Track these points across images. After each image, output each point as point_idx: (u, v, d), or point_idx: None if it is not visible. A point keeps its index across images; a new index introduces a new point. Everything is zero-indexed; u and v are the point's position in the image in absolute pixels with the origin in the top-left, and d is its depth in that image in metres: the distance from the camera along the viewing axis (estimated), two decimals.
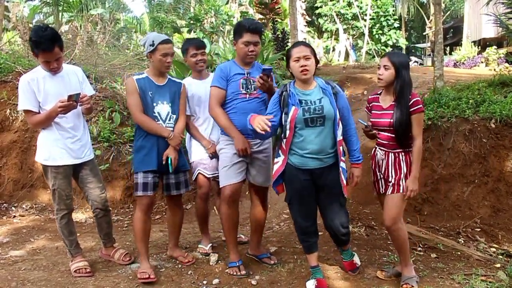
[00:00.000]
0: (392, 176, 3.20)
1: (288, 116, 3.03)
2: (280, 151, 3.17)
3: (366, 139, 5.99)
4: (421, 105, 3.12)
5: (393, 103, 3.16)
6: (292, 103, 3.03)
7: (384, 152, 3.24)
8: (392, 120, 3.10)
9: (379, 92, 3.36)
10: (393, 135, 3.14)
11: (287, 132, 3.05)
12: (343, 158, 3.14)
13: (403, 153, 3.18)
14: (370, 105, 3.35)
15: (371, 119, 3.29)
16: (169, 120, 3.48)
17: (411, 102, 3.09)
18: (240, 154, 3.40)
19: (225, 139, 3.49)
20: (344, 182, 3.15)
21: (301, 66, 3.01)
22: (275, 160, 3.22)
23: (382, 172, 3.27)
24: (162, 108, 3.45)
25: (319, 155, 3.06)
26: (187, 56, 3.91)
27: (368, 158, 5.54)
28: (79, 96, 3.22)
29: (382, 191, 3.33)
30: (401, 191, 3.15)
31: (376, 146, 3.35)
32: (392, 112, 3.13)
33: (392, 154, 3.20)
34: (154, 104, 3.42)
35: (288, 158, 3.13)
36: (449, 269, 3.69)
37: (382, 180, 3.31)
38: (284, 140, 3.11)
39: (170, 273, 3.50)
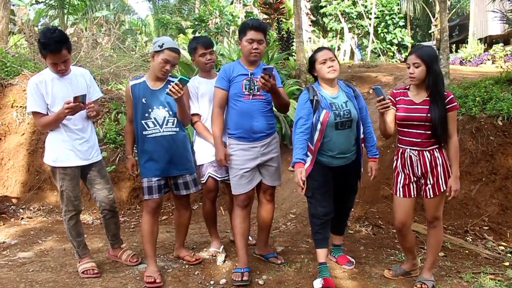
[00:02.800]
0: (429, 176, 3.10)
1: (320, 119, 3.17)
2: (307, 152, 3.24)
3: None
4: (456, 103, 3.09)
5: (427, 98, 3.07)
6: (324, 107, 3.18)
7: (417, 151, 3.11)
8: (429, 115, 3.01)
9: (407, 87, 3.25)
10: (428, 132, 3.05)
11: (317, 133, 3.20)
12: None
13: (437, 149, 3.09)
14: (396, 99, 3.21)
15: (397, 113, 3.17)
16: (166, 124, 3.40)
17: (448, 99, 3.04)
18: (218, 164, 3.52)
19: (233, 144, 3.44)
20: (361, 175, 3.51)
21: (329, 67, 3.21)
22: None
23: (419, 174, 3.14)
24: (158, 113, 3.37)
25: (344, 154, 3.28)
26: (195, 56, 3.81)
27: None
28: (85, 97, 3.24)
29: (413, 194, 3.20)
30: (442, 190, 3.07)
31: (404, 146, 3.19)
32: (427, 107, 3.04)
33: (427, 152, 3.09)
34: (150, 110, 3.35)
35: (316, 157, 3.27)
36: (457, 267, 3.67)
37: (414, 184, 3.19)
38: (313, 141, 3.23)
39: (177, 274, 3.50)
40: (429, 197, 3.12)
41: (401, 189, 3.22)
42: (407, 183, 3.19)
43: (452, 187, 3.04)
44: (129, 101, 3.44)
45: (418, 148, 3.10)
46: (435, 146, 3.08)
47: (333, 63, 3.23)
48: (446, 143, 3.10)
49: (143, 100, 3.36)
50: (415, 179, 3.17)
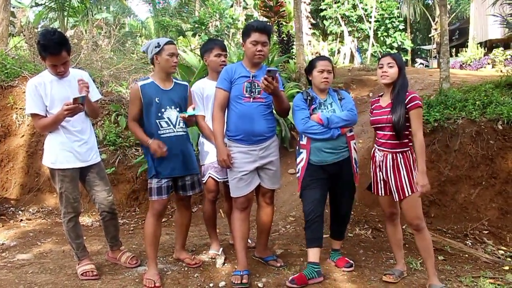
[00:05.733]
0: (391, 179, 3.25)
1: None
2: (300, 148, 3.50)
3: (370, 142, 5.97)
4: (418, 101, 3.22)
5: (391, 101, 3.28)
6: (316, 105, 3.44)
7: (383, 153, 3.30)
8: (389, 116, 3.21)
9: (380, 94, 3.49)
10: (392, 133, 3.23)
11: None
12: (354, 151, 3.49)
13: (400, 155, 3.24)
14: (372, 106, 3.46)
15: (371, 118, 3.41)
16: (179, 124, 3.44)
17: (408, 98, 3.21)
18: (220, 165, 3.46)
19: (232, 146, 3.43)
20: (356, 172, 3.54)
21: (324, 78, 3.43)
22: (298, 158, 3.52)
23: (384, 173, 3.31)
24: (172, 113, 3.40)
25: (334, 150, 3.38)
26: (209, 56, 3.83)
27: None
28: (84, 98, 3.23)
29: (381, 193, 3.40)
30: (407, 194, 3.19)
31: (375, 146, 3.39)
32: (390, 109, 3.24)
33: (390, 155, 3.26)
34: (163, 110, 3.37)
35: (309, 157, 3.42)
36: (456, 271, 3.67)
37: (382, 182, 3.37)
38: (305, 138, 3.44)
39: (177, 276, 3.49)
40: (395, 200, 3.28)
41: (373, 185, 3.46)
42: (373, 180, 3.44)
43: (419, 182, 3.14)
44: (137, 101, 3.38)
45: (383, 149, 3.31)
46: (399, 150, 3.24)
47: (329, 75, 3.46)
48: (406, 146, 3.25)
49: (156, 99, 3.36)
50: (381, 177, 3.36)
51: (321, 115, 3.34)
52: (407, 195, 3.19)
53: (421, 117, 3.27)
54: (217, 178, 3.77)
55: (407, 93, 3.25)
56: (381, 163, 3.31)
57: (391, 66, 3.27)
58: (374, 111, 3.40)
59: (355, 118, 3.45)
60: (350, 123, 3.42)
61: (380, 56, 3.54)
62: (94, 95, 3.59)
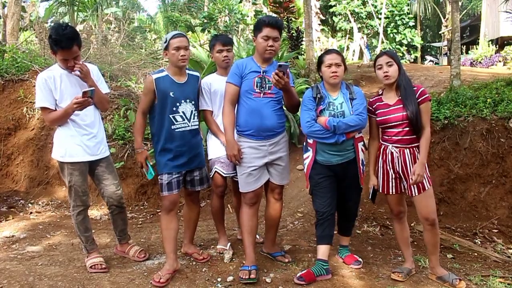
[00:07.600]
0: (412, 173, 3.21)
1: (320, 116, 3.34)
2: (308, 146, 3.46)
3: None
4: (428, 94, 3.24)
5: (399, 98, 3.26)
6: (324, 105, 3.34)
7: (399, 149, 3.26)
8: (405, 113, 3.18)
9: (380, 93, 3.46)
10: (407, 129, 3.21)
11: None
12: (362, 153, 3.41)
13: (416, 148, 3.24)
14: (373, 107, 3.41)
15: (378, 119, 3.35)
16: (194, 118, 3.45)
17: (418, 93, 3.22)
18: (230, 160, 3.46)
19: (242, 141, 3.42)
20: (362, 173, 3.47)
21: (332, 72, 3.32)
22: (305, 155, 3.49)
23: (399, 170, 3.28)
24: (186, 107, 3.40)
25: (340, 152, 3.33)
26: (213, 52, 3.88)
27: None
28: (94, 92, 3.23)
29: (392, 191, 3.38)
30: (426, 188, 3.20)
31: (386, 144, 3.33)
32: (401, 106, 3.22)
33: (408, 150, 3.24)
34: (178, 104, 3.36)
35: (315, 157, 3.40)
36: (465, 270, 3.65)
37: (394, 181, 3.34)
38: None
39: (185, 270, 3.50)
40: (414, 195, 3.25)
41: (380, 185, 3.43)
42: (383, 179, 3.40)
43: (415, 171, 3.15)
44: (150, 94, 3.36)
45: (399, 145, 3.26)
46: (415, 144, 3.24)
47: (338, 68, 3.33)
48: (422, 135, 3.25)
49: (171, 93, 3.35)
50: (393, 176, 3.33)
51: (328, 121, 3.24)
52: (426, 188, 3.20)
53: (430, 110, 3.30)
54: (223, 173, 3.77)
55: (415, 88, 3.25)
56: (398, 159, 3.26)
57: (390, 65, 3.25)
58: (380, 111, 3.35)
59: (364, 123, 3.33)
60: (357, 129, 3.31)
61: (376, 56, 3.46)
62: (103, 89, 3.60)
